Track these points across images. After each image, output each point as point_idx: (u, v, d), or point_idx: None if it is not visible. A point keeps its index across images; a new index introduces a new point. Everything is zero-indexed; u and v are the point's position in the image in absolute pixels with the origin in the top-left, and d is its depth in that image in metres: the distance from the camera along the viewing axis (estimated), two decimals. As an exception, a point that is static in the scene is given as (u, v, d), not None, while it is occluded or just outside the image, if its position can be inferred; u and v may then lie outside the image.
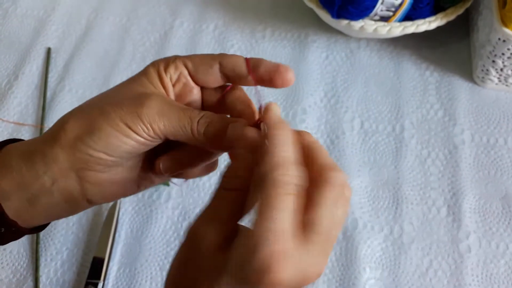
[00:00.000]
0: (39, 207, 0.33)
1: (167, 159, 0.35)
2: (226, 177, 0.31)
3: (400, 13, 0.59)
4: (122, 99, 0.32)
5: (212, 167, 0.39)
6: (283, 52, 0.66)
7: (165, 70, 0.34)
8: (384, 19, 0.60)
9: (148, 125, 0.31)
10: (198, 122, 0.32)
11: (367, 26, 0.59)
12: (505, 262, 0.50)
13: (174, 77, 0.34)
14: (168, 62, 0.34)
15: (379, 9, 0.58)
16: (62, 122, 0.33)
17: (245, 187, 0.30)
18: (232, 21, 0.69)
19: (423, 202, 0.54)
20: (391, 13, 0.59)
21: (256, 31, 0.68)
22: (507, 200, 0.54)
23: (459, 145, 0.58)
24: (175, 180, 0.53)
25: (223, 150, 0.34)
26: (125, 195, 0.37)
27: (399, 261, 0.51)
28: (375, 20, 0.60)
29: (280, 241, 0.25)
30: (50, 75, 0.65)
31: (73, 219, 0.53)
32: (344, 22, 0.59)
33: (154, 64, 0.35)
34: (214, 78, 0.35)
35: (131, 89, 0.34)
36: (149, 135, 0.32)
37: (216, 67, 0.34)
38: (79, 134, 0.31)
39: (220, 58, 0.34)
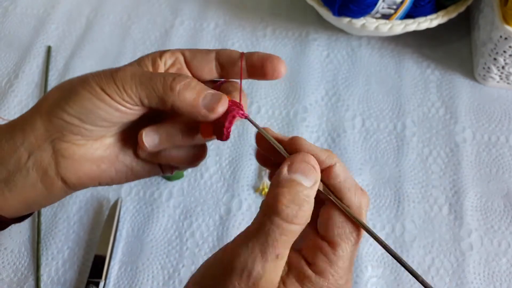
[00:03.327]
0: (15, 189, 0.33)
1: (151, 129, 0.34)
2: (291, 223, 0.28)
3: (402, 10, 0.59)
4: (105, 70, 0.33)
5: (200, 154, 0.36)
6: (284, 51, 0.66)
7: (161, 56, 0.35)
8: (386, 16, 0.59)
9: (121, 87, 0.31)
10: (173, 79, 0.32)
11: (369, 24, 0.59)
12: (507, 260, 0.50)
13: (169, 62, 0.35)
14: (165, 50, 0.35)
15: (381, 6, 0.58)
16: (47, 93, 0.34)
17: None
18: (232, 20, 0.69)
19: (425, 200, 0.54)
20: (392, 11, 0.59)
21: (257, 29, 0.68)
22: (508, 198, 0.54)
23: (461, 143, 0.58)
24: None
25: (199, 117, 0.32)
26: (100, 178, 0.35)
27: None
28: (377, 18, 0.60)
29: None
30: (50, 73, 0.64)
31: (74, 218, 0.53)
32: (346, 20, 0.59)
33: (150, 54, 0.35)
34: (209, 66, 0.35)
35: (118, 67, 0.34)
36: (123, 99, 0.32)
37: (213, 56, 0.35)
38: (57, 99, 0.32)
39: (217, 50, 0.35)
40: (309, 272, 0.28)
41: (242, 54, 0.35)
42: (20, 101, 0.62)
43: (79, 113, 0.32)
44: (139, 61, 0.35)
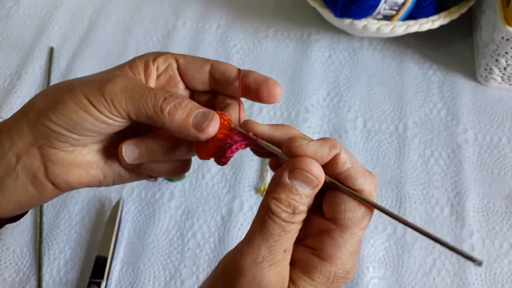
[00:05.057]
0: (7, 192, 0.33)
1: (131, 143, 0.34)
2: (286, 215, 0.29)
3: (403, 12, 0.59)
4: (93, 79, 0.32)
5: (183, 168, 0.36)
6: (285, 51, 0.66)
7: (154, 60, 0.34)
8: (387, 18, 0.60)
9: (110, 101, 0.31)
10: (164, 99, 0.31)
11: (370, 25, 0.59)
12: (508, 261, 0.50)
13: (161, 68, 0.34)
14: (158, 54, 0.35)
15: (382, 8, 0.58)
16: (33, 98, 0.33)
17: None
18: (235, 21, 0.69)
19: (426, 201, 0.54)
20: (394, 12, 0.59)
21: (259, 30, 0.68)
22: (510, 199, 0.54)
23: (462, 144, 0.58)
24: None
25: (189, 137, 0.32)
26: (89, 182, 0.35)
27: (402, 261, 0.51)
28: (378, 19, 0.60)
29: None
30: (52, 74, 0.65)
31: (76, 218, 0.53)
32: (347, 21, 0.59)
33: (143, 55, 0.35)
34: (203, 79, 0.35)
35: (108, 73, 0.33)
36: (111, 113, 0.31)
37: (207, 68, 0.34)
38: (43, 108, 0.32)
39: (213, 62, 0.35)
40: (316, 260, 0.29)
41: (239, 71, 0.34)
42: (22, 102, 0.62)
43: (65, 123, 0.31)
44: (131, 64, 0.34)
